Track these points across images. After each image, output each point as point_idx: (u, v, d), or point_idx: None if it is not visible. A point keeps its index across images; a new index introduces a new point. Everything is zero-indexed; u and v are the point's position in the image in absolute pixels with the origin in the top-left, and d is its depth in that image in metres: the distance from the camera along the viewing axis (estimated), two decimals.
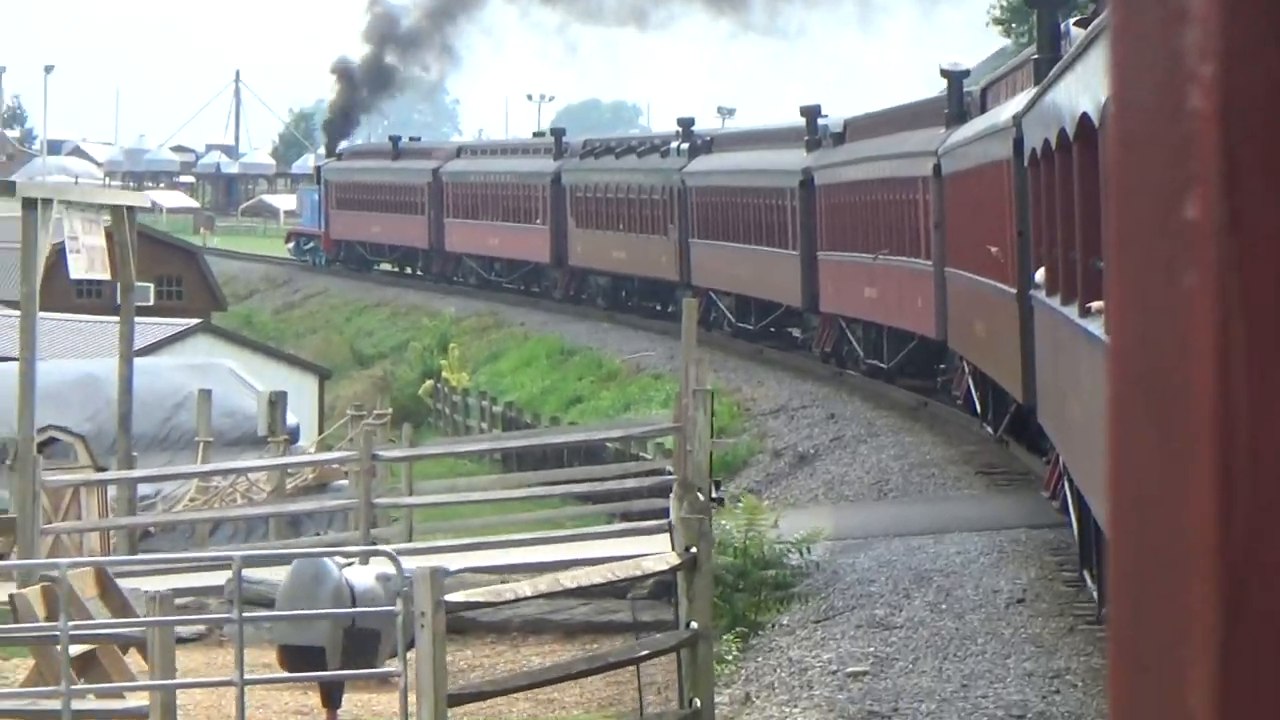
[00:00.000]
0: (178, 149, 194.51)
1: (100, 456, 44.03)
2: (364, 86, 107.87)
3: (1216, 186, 1.31)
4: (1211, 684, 1.32)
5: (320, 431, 54.20)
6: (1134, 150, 1.36)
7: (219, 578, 24.90)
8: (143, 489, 37.21)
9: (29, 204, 29.66)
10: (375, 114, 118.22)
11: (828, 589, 23.54)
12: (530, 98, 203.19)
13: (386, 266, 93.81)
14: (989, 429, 33.28)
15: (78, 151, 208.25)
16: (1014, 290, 26.43)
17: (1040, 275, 23.47)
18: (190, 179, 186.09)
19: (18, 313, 66.48)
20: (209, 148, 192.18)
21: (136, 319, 64.53)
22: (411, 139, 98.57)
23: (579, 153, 71.99)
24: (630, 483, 31.79)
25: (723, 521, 24.02)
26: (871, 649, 20.48)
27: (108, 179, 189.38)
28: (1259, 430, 1.32)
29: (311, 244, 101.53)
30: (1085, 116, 16.57)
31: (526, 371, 61.66)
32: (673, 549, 18.02)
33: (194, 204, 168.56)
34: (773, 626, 22.64)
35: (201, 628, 24.56)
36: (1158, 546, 1.37)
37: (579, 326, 65.74)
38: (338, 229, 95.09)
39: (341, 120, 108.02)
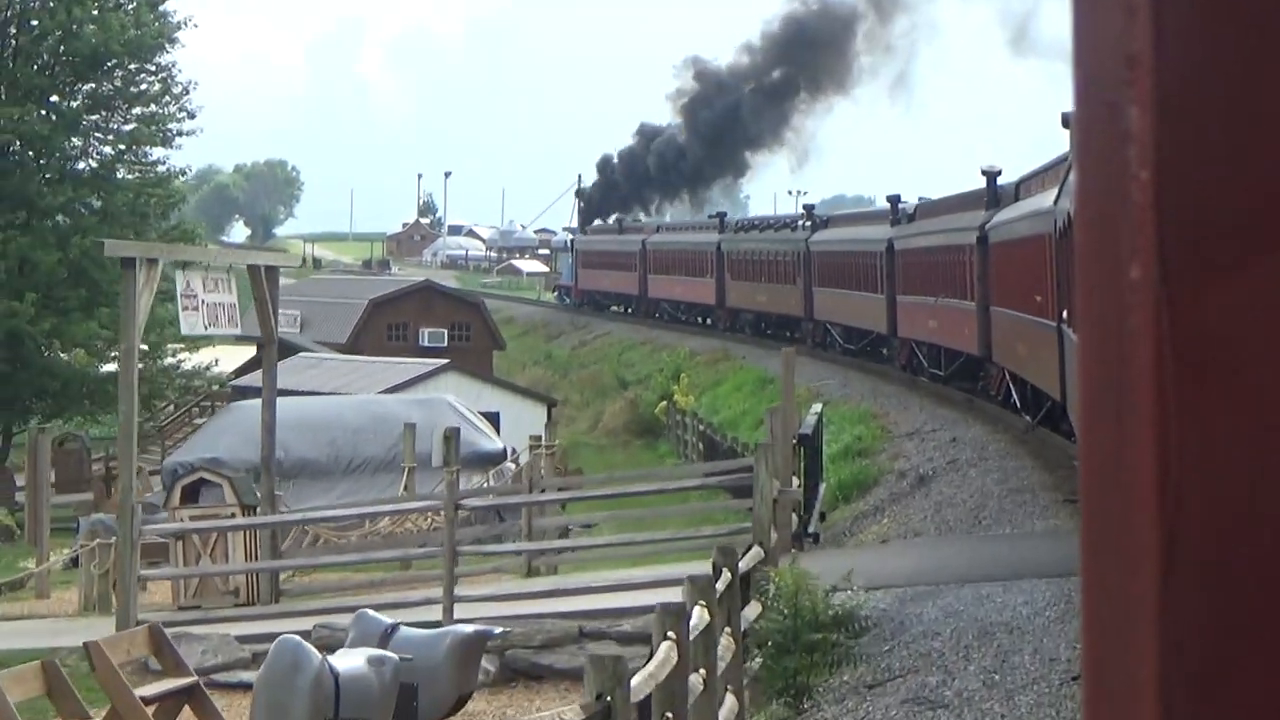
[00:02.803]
0: (540, 231, 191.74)
1: (332, 478, 38.13)
2: (624, 180, 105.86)
3: (1152, 255, 1.29)
4: (1153, 619, 1.30)
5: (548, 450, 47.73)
6: (1094, 229, 1.34)
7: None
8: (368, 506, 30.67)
9: (127, 263, 21.20)
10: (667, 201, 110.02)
11: (892, 642, 17.29)
12: (790, 193, 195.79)
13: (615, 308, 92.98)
14: (1027, 418, 32.23)
15: (470, 233, 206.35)
16: (1054, 324, 25.96)
17: (1065, 314, 23.41)
18: (547, 251, 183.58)
19: (330, 356, 59.45)
20: (564, 229, 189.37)
21: (411, 359, 57.29)
22: (634, 220, 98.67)
23: (734, 229, 72.07)
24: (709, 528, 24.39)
25: (773, 581, 17.50)
26: None
27: (489, 252, 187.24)
28: (1185, 429, 1.30)
29: (567, 293, 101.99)
30: None
31: (736, 396, 54.81)
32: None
33: (545, 269, 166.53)
34: (824, 691, 16.16)
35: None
36: (1112, 510, 1.34)
37: (780, 360, 58.44)
38: (583, 282, 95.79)
39: (596, 205, 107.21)
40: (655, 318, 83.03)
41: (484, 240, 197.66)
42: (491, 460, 37.69)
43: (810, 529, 25.22)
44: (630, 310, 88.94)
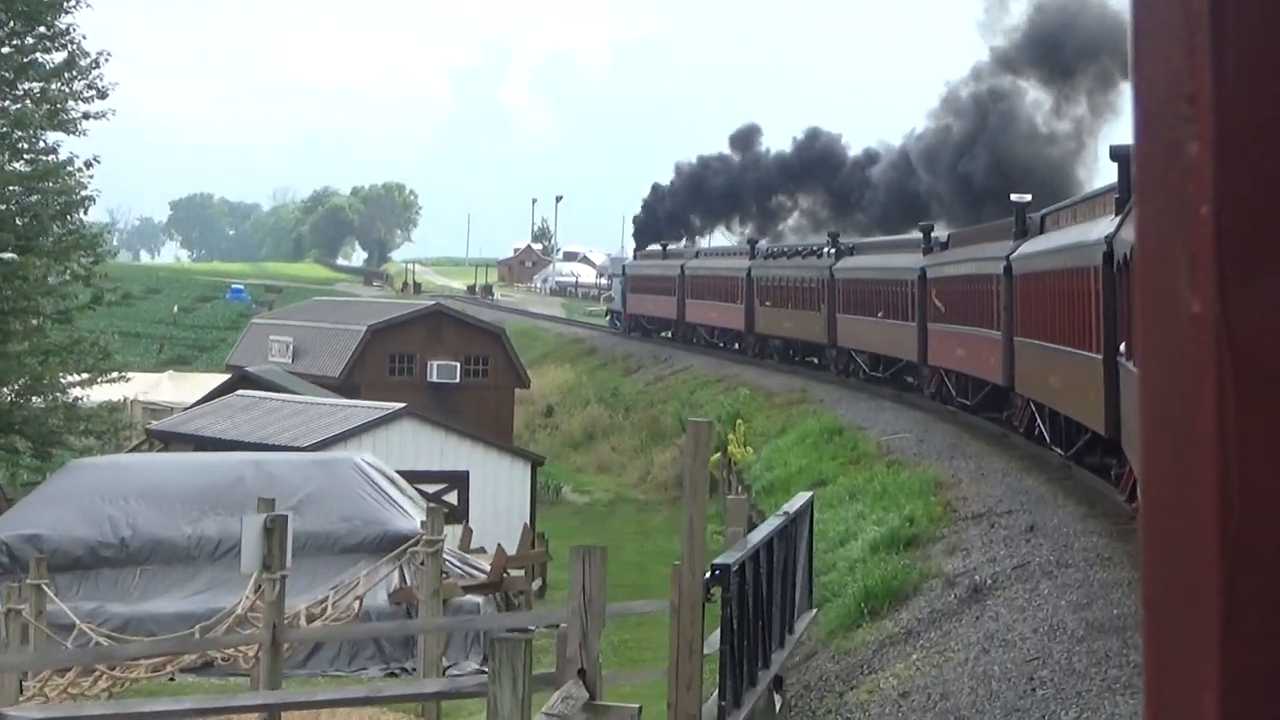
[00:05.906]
0: None
1: (193, 564, 29.17)
2: (672, 202, 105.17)
3: (1212, 290, 1.29)
4: (1215, 628, 1.30)
5: (532, 520, 39.20)
6: (1155, 263, 1.34)
7: None
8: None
9: None
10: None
11: None
12: None
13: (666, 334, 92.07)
14: (1059, 451, 31.15)
15: (584, 260, 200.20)
16: (1099, 356, 25.09)
17: (1123, 347, 23.37)
18: None
19: (273, 395, 46.13)
20: (610, 254, 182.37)
21: (369, 403, 46.29)
22: (676, 246, 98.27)
23: (764, 255, 72.17)
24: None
25: None
26: None
27: (598, 278, 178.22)
28: (1247, 463, 1.30)
29: (618, 318, 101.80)
30: None
31: (797, 449, 44.06)
32: None
33: None
34: None
35: None
36: (1176, 534, 1.34)
37: (861, 405, 48.64)
38: (632, 307, 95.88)
39: (645, 229, 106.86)
40: (692, 343, 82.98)
41: (595, 267, 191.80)
42: (404, 542, 28.43)
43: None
44: (671, 335, 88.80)
